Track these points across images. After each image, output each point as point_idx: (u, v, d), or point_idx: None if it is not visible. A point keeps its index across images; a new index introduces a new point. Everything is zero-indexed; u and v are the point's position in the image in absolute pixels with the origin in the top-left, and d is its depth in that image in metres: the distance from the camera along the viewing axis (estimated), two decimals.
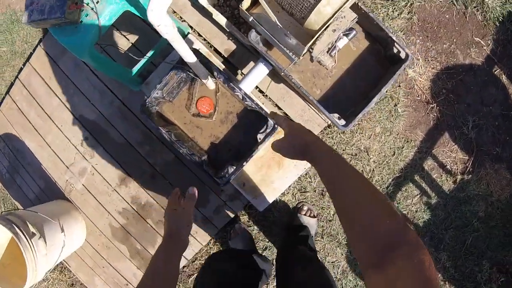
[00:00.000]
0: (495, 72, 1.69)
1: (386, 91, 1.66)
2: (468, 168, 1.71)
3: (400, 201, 1.73)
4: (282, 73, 1.31)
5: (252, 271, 1.30)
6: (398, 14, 1.66)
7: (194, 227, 1.69)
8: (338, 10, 1.06)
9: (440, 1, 1.67)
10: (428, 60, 1.70)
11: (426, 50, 1.70)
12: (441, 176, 1.72)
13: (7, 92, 1.88)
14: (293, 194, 1.76)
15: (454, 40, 1.69)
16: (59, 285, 1.98)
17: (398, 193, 1.73)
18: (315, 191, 1.75)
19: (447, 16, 1.69)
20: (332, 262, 1.78)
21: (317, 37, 1.10)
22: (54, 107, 1.74)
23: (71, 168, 1.74)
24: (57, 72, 1.73)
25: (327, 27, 1.11)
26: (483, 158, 1.70)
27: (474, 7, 1.67)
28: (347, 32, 1.23)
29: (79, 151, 1.73)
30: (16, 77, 1.84)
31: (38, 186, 1.81)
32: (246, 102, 1.32)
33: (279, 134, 1.28)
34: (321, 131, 1.66)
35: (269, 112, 1.08)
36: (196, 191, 0.97)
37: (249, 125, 1.44)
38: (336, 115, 1.30)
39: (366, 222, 0.58)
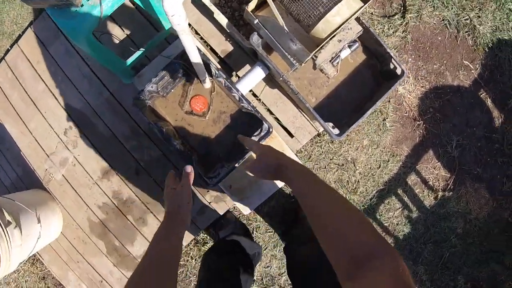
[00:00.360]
0: (481, 96, 1.75)
1: None
2: (449, 186, 1.76)
3: (382, 213, 1.76)
4: (281, 78, 1.32)
5: (235, 257, 1.36)
6: (393, 32, 1.70)
7: None
8: (346, 21, 1.07)
9: (434, 23, 1.72)
10: (418, 79, 1.74)
11: (417, 69, 1.74)
12: (423, 191, 1.76)
13: None
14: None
15: (445, 61, 1.74)
16: (30, 278, 1.89)
17: (381, 205, 1.76)
18: None
19: (439, 38, 1.74)
20: None
21: (323, 46, 1.11)
22: (40, 93, 1.67)
23: (52, 157, 1.68)
24: (46, 56, 1.66)
25: (334, 36, 1.12)
26: (464, 177, 1.76)
27: (466, 32, 1.73)
28: (351, 44, 1.25)
29: (62, 140, 1.66)
30: (2, 58, 1.76)
31: (15, 173, 1.73)
32: (242, 104, 1.31)
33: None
34: (311, 139, 1.67)
35: (238, 137, 1.13)
36: (192, 168, 1.02)
37: (243, 127, 1.43)
38: (331, 124, 1.31)
39: (343, 231, 0.59)
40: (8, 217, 1.40)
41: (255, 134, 1.30)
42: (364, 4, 1.11)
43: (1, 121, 1.72)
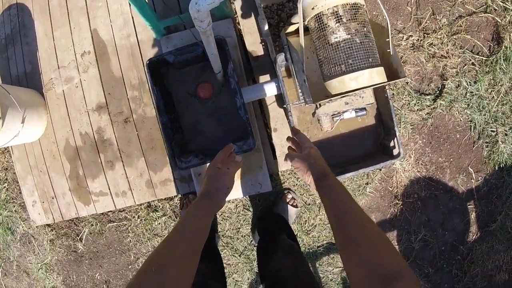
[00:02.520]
0: (469, 206, 1.74)
1: None
2: None
3: (323, 263, 1.79)
4: (284, 106, 1.33)
5: None
6: (417, 109, 1.69)
7: (138, 183, 1.71)
8: (360, 89, 1.07)
9: (460, 120, 1.70)
10: (418, 163, 1.73)
11: (422, 153, 1.73)
12: None
13: None
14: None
15: (451, 159, 1.73)
16: None
17: (324, 257, 1.79)
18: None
19: (457, 136, 1.72)
20: None
21: (327, 101, 1.11)
22: (77, 8, 1.71)
23: (61, 71, 1.73)
24: None
25: (343, 97, 1.13)
26: (413, 270, 1.77)
27: (486, 142, 1.70)
28: (358, 110, 1.25)
29: (76, 60, 1.71)
30: None
31: (24, 68, 1.79)
32: (240, 111, 1.33)
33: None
34: (291, 170, 1.68)
35: (291, 126, 1.12)
36: (241, 159, 1.01)
37: (232, 130, 1.46)
38: None
39: (374, 251, 0.62)
40: None
41: (238, 142, 1.33)
42: (386, 82, 1.10)
43: (33, 17, 1.77)
